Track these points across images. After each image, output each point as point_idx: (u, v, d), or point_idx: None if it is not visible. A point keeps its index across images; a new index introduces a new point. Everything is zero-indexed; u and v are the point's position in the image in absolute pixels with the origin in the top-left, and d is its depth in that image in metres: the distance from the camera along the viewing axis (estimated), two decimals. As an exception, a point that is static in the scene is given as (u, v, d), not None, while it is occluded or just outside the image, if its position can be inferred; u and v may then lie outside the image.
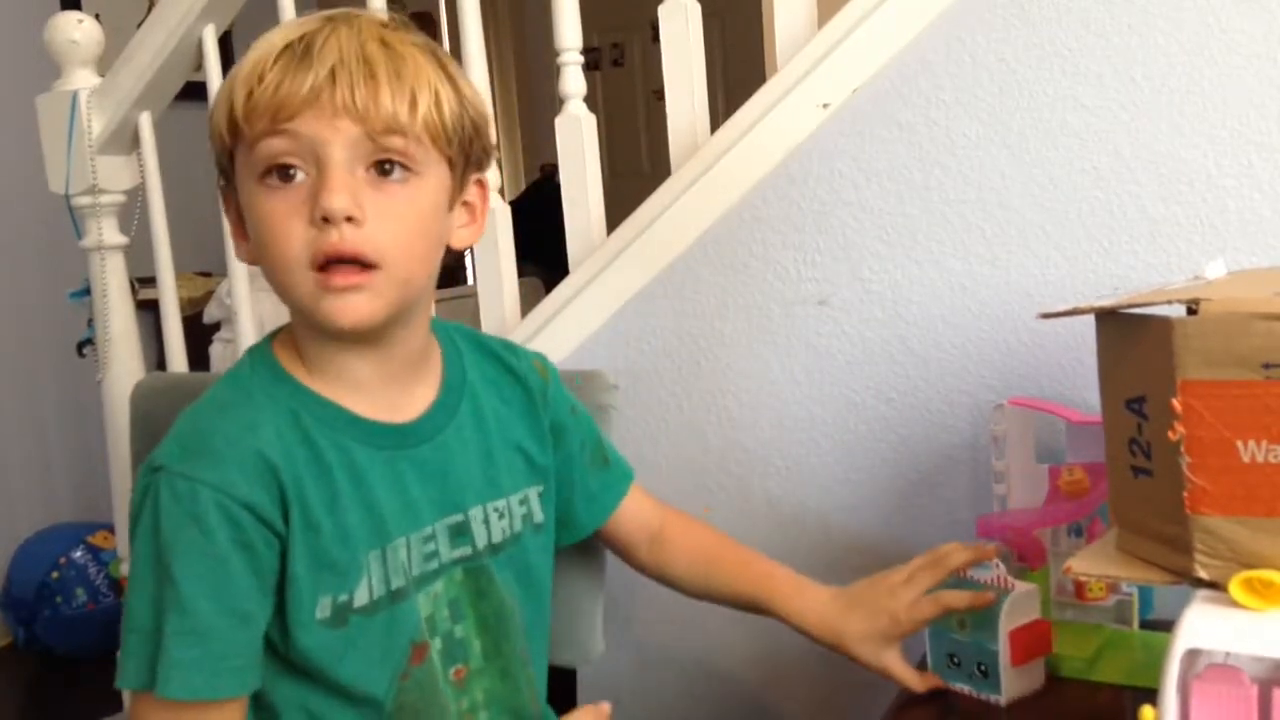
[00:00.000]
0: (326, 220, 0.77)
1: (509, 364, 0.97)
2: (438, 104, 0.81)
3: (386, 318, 0.82)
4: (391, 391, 0.87)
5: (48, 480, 3.04)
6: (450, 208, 0.86)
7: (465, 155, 0.85)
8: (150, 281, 1.76)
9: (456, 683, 0.90)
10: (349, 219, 0.77)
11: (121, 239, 1.71)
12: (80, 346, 1.91)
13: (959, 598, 0.95)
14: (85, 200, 1.67)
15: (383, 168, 0.79)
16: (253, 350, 0.88)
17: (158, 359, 1.91)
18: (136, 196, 1.71)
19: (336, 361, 0.85)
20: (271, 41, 0.80)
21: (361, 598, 0.83)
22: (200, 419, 0.82)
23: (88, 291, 1.76)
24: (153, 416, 1.29)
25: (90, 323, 1.76)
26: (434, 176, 0.82)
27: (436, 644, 0.89)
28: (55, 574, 2.64)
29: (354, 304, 0.79)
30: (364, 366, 0.85)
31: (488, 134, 0.88)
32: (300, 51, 0.78)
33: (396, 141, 0.79)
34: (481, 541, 0.92)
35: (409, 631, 0.86)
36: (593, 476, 1.03)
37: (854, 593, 1.02)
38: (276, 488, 0.80)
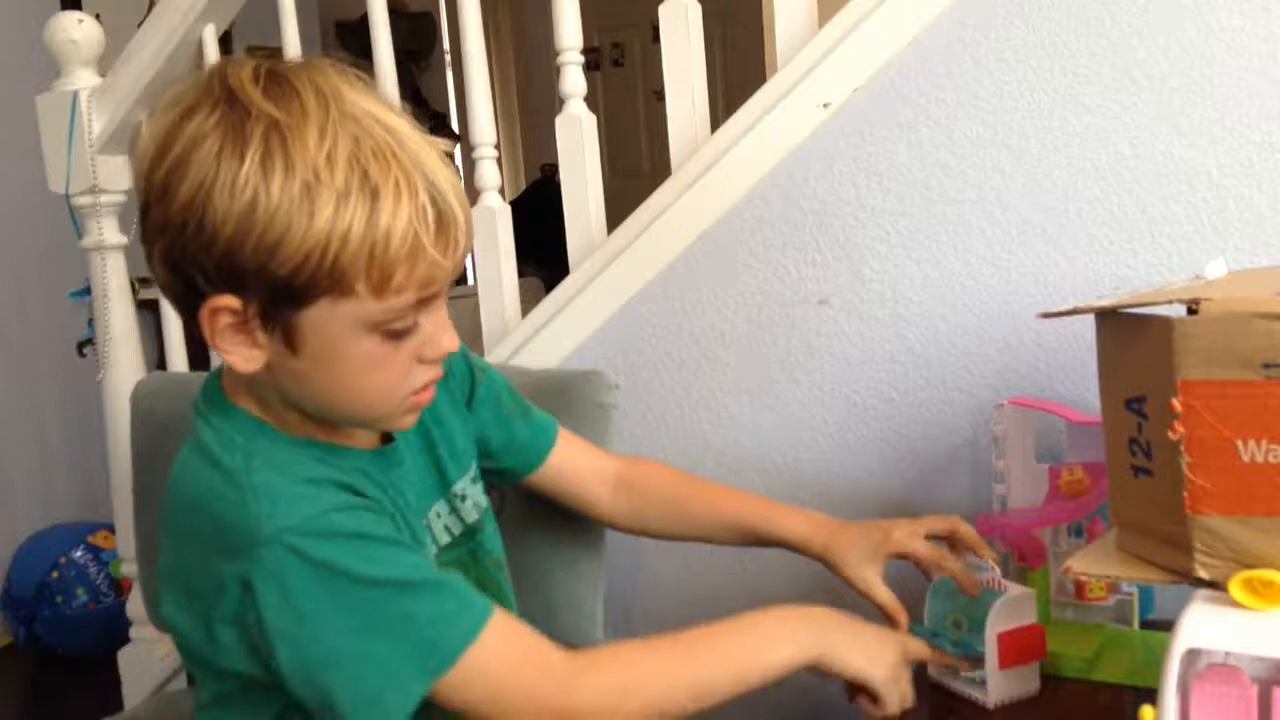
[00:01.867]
0: (439, 360, 0.80)
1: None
2: None
3: None
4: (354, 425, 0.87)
5: (48, 480, 3.04)
6: None
7: None
8: (150, 281, 1.75)
9: None
10: None
11: (122, 238, 1.71)
12: (81, 346, 1.92)
13: (954, 563, 0.96)
14: (86, 200, 1.67)
15: None
16: (219, 417, 0.81)
17: (158, 359, 1.91)
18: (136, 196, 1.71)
19: (319, 421, 0.83)
20: (416, 200, 0.73)
21: None
22: (264, 481, 0.76)
23: (88, 291, 1.76)
24: (153, 416, 1.29)
25: (91, 322, 1.76)
26: None
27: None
28: (55, 574, 2.64)
29: (419, 414, 0.84)
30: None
31: None
32: (442, 226, 0.74)
33: None
34: (456, 530, 0.94)
35: None
36: (513, 424, 1.04)
37: (848, 521, 1.04)
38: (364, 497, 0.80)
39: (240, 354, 0.76)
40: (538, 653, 0.79)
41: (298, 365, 0.76)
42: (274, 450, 0.79)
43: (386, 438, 0.89)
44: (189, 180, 0.72)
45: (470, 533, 0.95)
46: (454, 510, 0.94)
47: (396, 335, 0.77)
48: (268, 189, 0.70)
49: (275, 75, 0.74)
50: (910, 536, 0.98)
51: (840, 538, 1.01)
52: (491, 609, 0.78)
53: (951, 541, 1.00)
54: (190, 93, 0.75)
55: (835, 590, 1.32)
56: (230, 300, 0.74)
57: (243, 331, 0.75)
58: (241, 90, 0.73)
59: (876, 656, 0.87)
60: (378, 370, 0.77)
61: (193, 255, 0.73)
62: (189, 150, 0.72)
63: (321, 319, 0.74)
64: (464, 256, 0.78)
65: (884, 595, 0.99)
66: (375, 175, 0.72)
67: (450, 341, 0.80)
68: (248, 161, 0.70)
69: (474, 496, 0.97)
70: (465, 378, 1.01)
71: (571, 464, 1.08)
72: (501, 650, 0.77)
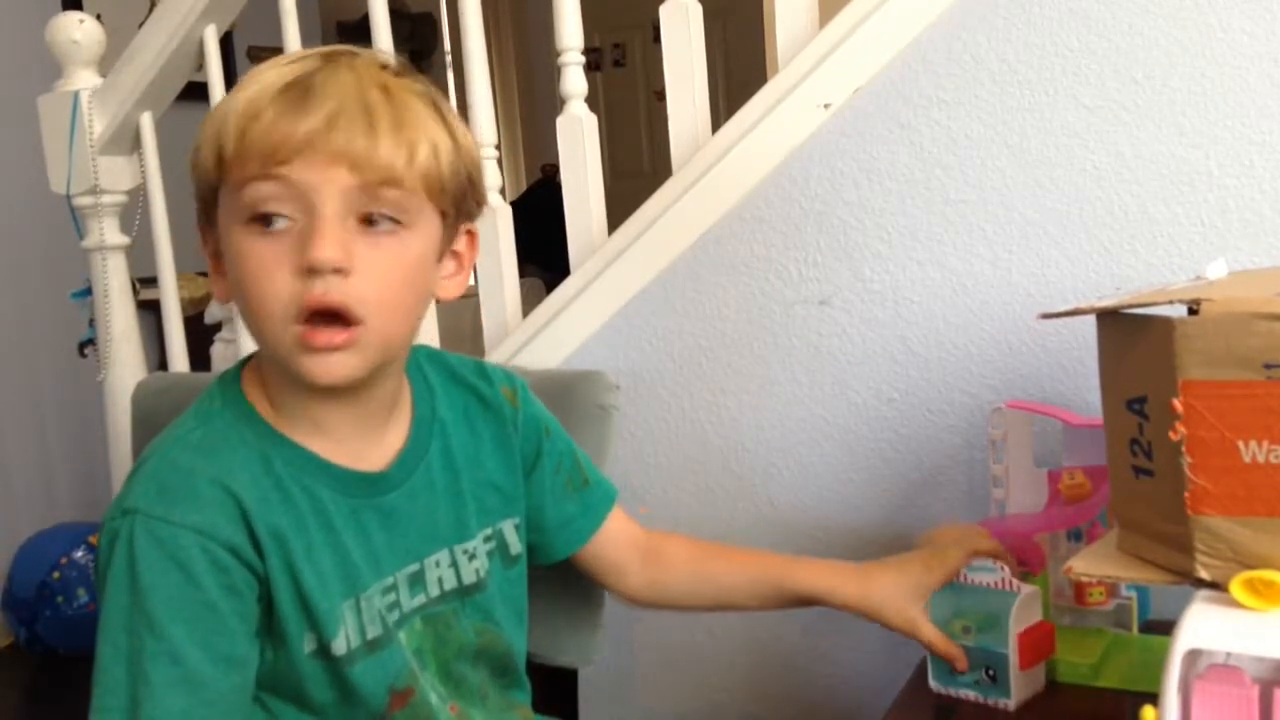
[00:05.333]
0: (313, 271, 0.74)
1: (480, 392, 0.95)
2: (436, 156, 0.78)
3: (366, 375, 0.80)
4: (361, 438, 0.85)
5: (49, 480, 3.04)
6: (439, 259, 0.84)
7: (458, 207, 0.83)
8: (151, 281, 1.76)
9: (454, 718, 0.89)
10: (336, 270, 0.75)
11: (123, 239, 1.71)
12: (82, 346, 1.91)
13: (988, 541, 0.96)
14: (87, 200, 1.67)
15: (372, 219, 0.77)
16: (222, 383, 0.84)
17: (159, 359, 1.91)
18: (138, 197, 1.71)
19: (308, 408, 0.82)
20: (267, 78, 0.76)
21: (339, 648, 0.81)
22: (174, 459, 0.78)
23: (89, 291, 1.76)
24: (154, 416, 1.29)
25: (92, 323, 1.76)
26: (425, 228, 0.80)
27: (436, 683, 0.87)
28: (56, 574, 2.64)
29: (335, 363, 0.77)
30: (335, 414, 0.83)
31: (481, 185, 0.86)
32: (298, 93, 0.75)
33: (391, 194, 0.76)
34: (450, 584, 0.90)
35: (388, 676, 0.84)
36: (569, 500, 1.00)
37: (874, 562, 1.01)
38: (253, 531, 0.77)
39: (218, 284, 0.82)
40: None
41: (233, 292, 0.80)
42: (229, 428, 0.81)
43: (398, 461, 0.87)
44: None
45: (464, 592, 0.91)
46: (454, 564, 0.90)
47: (260, 223, 0.75)
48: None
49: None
50: (943, 556, 0.96)
51: (873, 585, 0.98)
52: None
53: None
54: None
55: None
56: (205, 228, 0.82)
57: (216, 263, 0.82)
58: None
59: None
60: (255, 272, 0.76)
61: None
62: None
63: (220, 218, 0.79)
64: (347, 148, 0.74)
65: (933, 635, 0.96)
66: (268, 69, 0.78)
67: (318, 246, 0.74)
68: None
69: (481, 559, 0.92)
70: (532, 433, 0.97)
71: (614, 533, 1.03)
72: None
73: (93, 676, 0.76)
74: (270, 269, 0.75)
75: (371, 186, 0.75)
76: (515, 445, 0.96)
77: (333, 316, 0.76)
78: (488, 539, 0.93)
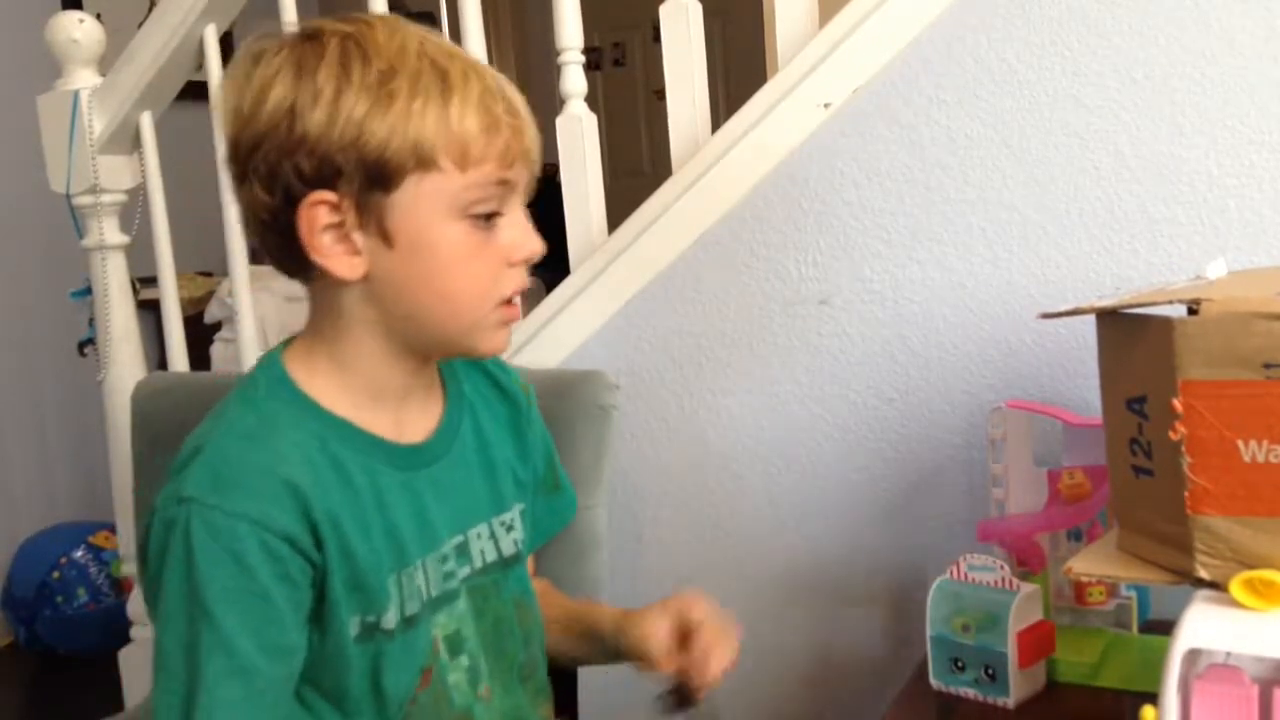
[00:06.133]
0: (526, 261, 0.83)
1: (498, 380, 0.98)
2: None
3: None
4: (407, 410, 0.88)
5: (49, 480, 3.04)
6: None
7: None
8: (151, 281, 1.75)
9: (482, 698, 0.90)
10: None
11: (122, 238, 1.71)
12: (81, 346, 1.92)
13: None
14: (86, 200, 1.67)
15: None
16: (264, 368, 0.85)
17: (159, 359, 1.91)
18: (137, 196, 1.71)
19: (381, 381, 0.85)
20: (474, 76, 0.80)
21: (389, 621, 0.83)
22: (228, 449, 0.79)
23: (89, 291, 1.76)
24: (154, 416, 1.29)
25: (91, 322, 1.76)
26: None
27: (463, 661, 0.88)
28: (56, 574, 2.64)
29: (508, 335, 0.86)
30: (403, 387, 0.86)
31: None
32: (505, 103, 0.81)
33: None
34: (490, 556, 0.92)
35: (418, 658, 0.86)
36: (540, 500, 1.02)
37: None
38: (309, 517, 0.79)
39: (341, 260, 0.79)
40: None
41: (394, 263, 0.79)
42: (279, 413, 0.81)
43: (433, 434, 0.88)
44: (273, 95, 0.77)
45: (503, 564, 0.93)
46: (493, 535, 0.93)
47: (482, 222, 0.80)
48: (348, 78, 0.77)
49: (346, 14, 0.82)
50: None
51: (628, 621, 0.95)
52: None
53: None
54: (254, 46, 0.81)
55: (838, 590, 1.33)
56: (326, 194, 0.78)
57: (342, 239, 0.79)
58: (312, 23, 0.81)
59: None
60: (466, 263, 0.80)
61: (289, 156, 0.77)
62: (270, 77, 0.78)
63: (411, 202, 0.78)
64: (535, 155, 0.83)
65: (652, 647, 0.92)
66: (444, 64, 0.78)
67: (535, 243, 0.83)
68: (327, 61, 0.77)
69: (518, 531, 0.95)
70: (539, 425, 1.01)
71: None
72: None
73: (154, 658, 0.77)
74: (481, 256, 0.81)
75: (532, 182, 0.85)
76: (527, 434, 0.98)
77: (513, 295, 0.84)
78: (523, 514, 0.96)
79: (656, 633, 0.91)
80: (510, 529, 0.94)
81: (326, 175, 0.77)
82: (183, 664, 0.76)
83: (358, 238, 0.79)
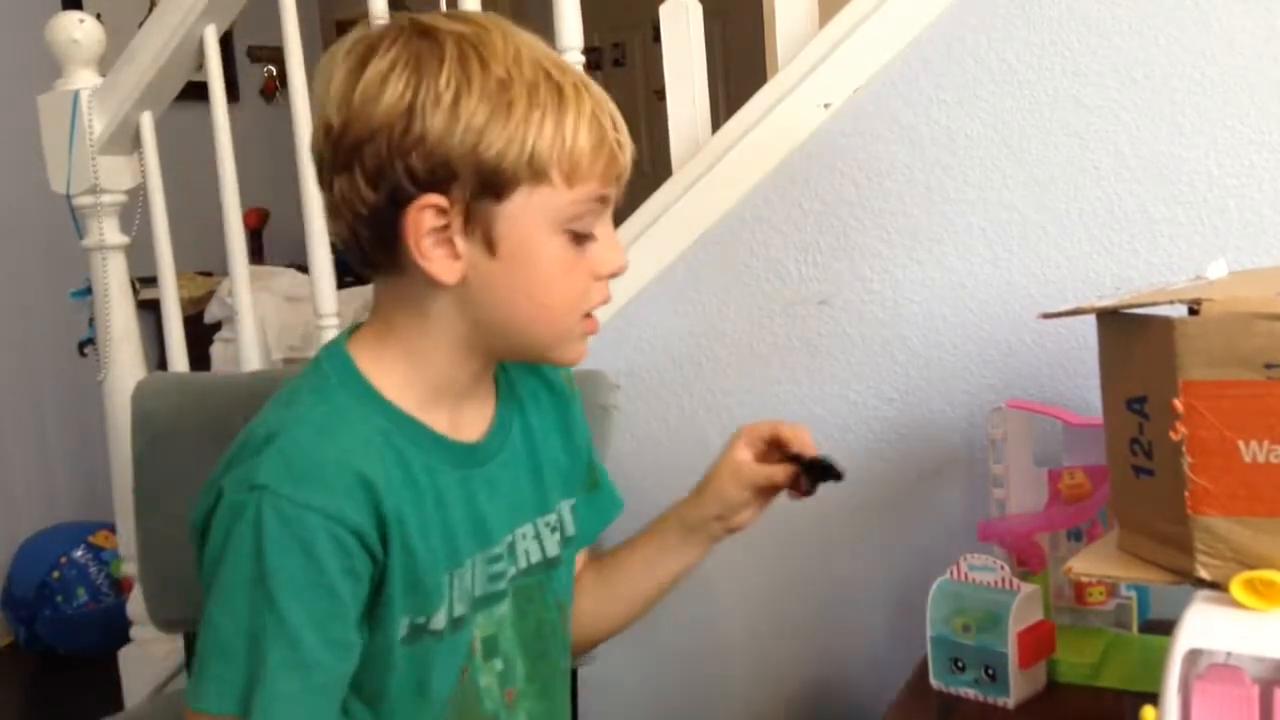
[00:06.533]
0: (613, 275, 0.85)
1: (546, 375, 0.98)
2: None
3: None
4: (464, 410, 0.88)
5: (49, 480, 3.04)
6: None
7: None
8: (151, 281, 1.76)
9: (508, 705, 0.90)
10: None
11: (122, 239, 1.71)
12: (81, 346, 1.92)
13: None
14: (86, 200, 1.67)
15: None
16: (331, 357, 0.85)
17: (159, 359, 1.91)
18: (137, 196, 1.71)
19: (445, 380, 0.85)
20: (585, 92, 0.81)
21: (439, 621, 0.83)
22: (301, 439, 0.78)
23: (89, 291, 1.76)
24: (154, 416, 1.29)
25: (91, 322, 1.76)
26: None
27: (496, 664, 0.89)
28: (56, 573, 2.64)
29: (587, 345, 0.87)
30: (465, 386, 0.87)
31: None
32: (608, 118, 0.82)
33: None
34: (535, 557, 0.92)
35: (460, 657, 0.86)
36: (582, 498, 1.01)
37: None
38: (379, 513, 0.79)
39: (442, 264, 0.79)
40: None
41: (493, 271, 0.80)
42: (348, 406, 0.81)
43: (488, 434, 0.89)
44: (392, 89, 0.76)
45: (547, 565, 0.93)
46: (538, 536, 0.93)
47: (580, 239, 0.82)
48: (469, 83, 0.76)
49: (449, 10, 0.84)
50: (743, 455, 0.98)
51: (707, 487, 1.01)
52: None
53: (777, 444, 0.98)
54: (368, 36, 0.80)
55: (839, 590, 1.33)
56: (437, 199, 0.78)
57: (444, 242, 0.79)
58: (423, 19, 0.80)
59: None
60: (564, 276, 0.82)
61: (402, 156, 0.77)
62: (386, 70, 0.77)
63: (519, 213, 0.79)
64: (628, 173, 0.84)
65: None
66: (556, 75, 0.79)
67: (622, 257, 0.85)
68: (447, 62, 0.77)
69: (564, 526, 0.95)
70: (584, 419, 1.01)
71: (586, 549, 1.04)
72: None
73: (200, 639, 0.77)
74: (575, 270, 0.82)
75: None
76: (574, 427, 0.99)
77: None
78: (573, 510, 0.97)
79: (746, 459, 0.97)
80: (555, 530, 0.94)
81: (440, 179, 0.77)
82: (244, 650, 0.75)
83: (460, 243, 0.79)
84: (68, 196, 1.68)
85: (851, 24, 1.24)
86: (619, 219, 1.36)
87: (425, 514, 0.82)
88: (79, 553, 2.67)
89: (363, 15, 1.55)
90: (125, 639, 1.79)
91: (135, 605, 1.76)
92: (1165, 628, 0.76)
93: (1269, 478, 0.73)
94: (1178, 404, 0.74)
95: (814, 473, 0.95)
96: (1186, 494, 0.75)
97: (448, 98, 0.76)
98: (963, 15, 1.20)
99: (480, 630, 0.87)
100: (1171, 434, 0.75)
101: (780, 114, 1.28)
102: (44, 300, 2.94)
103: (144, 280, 1.83)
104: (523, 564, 0.91)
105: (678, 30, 1.38)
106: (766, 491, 0.98)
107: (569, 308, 0.83)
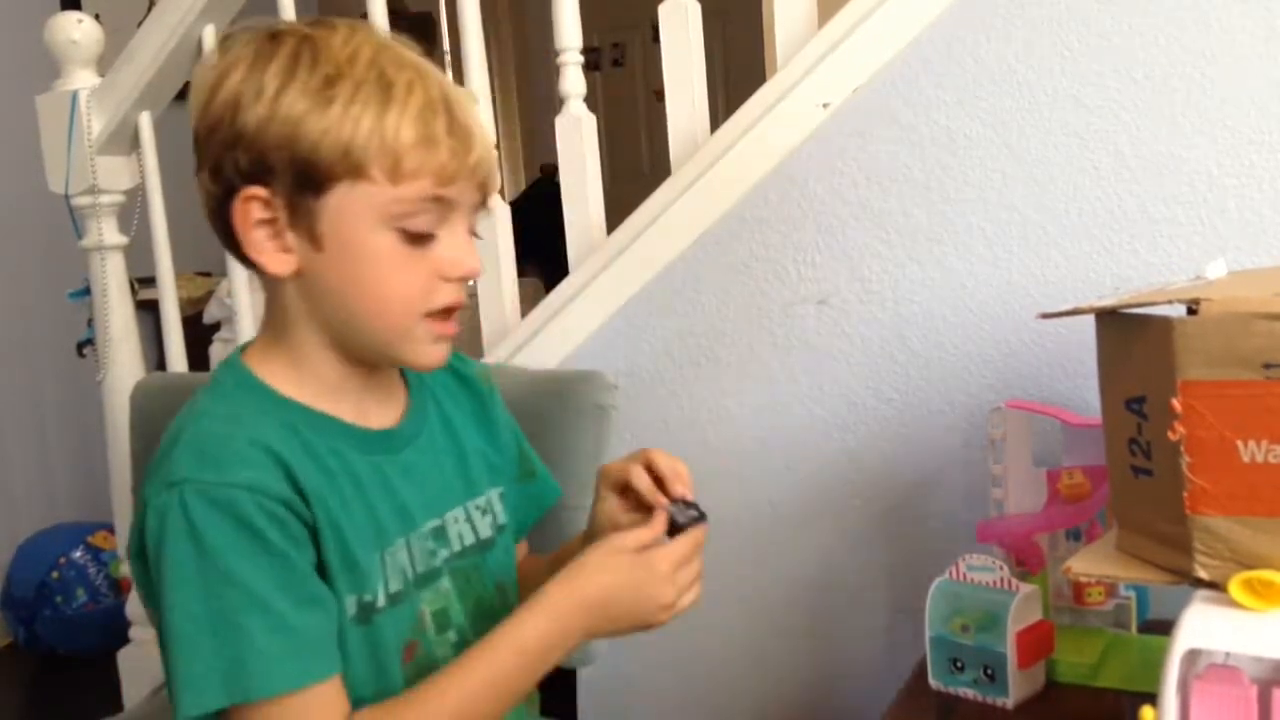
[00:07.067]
0: (463, 279, 0.82)
1: (456, 369, 0.99)
2: None
3: None
4: (377, 403, 0.89)
5: (48, 480, 3.04)
6: None
7: None
8: (150, 281, 1.76)
9: None
10: None
11: (121, 239, 1.71)
12: (80, 346, 1.91)
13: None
14: (85, 200, 1.67)
15: (472, 229, 0.85)
16: (226, 368, 0.87)
17: (158, 359, 1.91)
18: (136, 196, 1.71)
19: (343, 379, 0.86)
20: (419, 89, 0.79)
21: (380, 600, 0.84)
22: (207, 429, 0.80)
23: (88, 291, 1.76)
24: (153, 416, 1.29)
25: (90, 323, 1.76)
26: None
27: (450, 636, 0.89)
28: (55, 574, 2.64)
29: (446, 349, 0.85)
30: (363, 383, 0.87)
31: None
32: (447, 117, 0.80)
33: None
34: (469, 540, 0.93)
35: (403, 632, 0.87)
36: (516, 489, 1.01)
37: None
38: (297, 487, 0.79)
39: (274, 257, 0.80)
40: None
41: (322, 264, 0.80)
42: (247, 402, 0.82)
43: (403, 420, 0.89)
44: (226, 87, 0.79)
45: (481, 547, 0.94)
46: (469, 519, 0.94)
47: (414, 239, 0.80)
48: (293, 79, 0.78)
49: (318, 18, 0.83)
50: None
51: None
52: (327, 676, 0.77)
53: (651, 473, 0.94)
54: (229, 37, 0.82)
55: (838, 590, 1.33)
56: (258, 190, 0.79)
57: (274, 235, 0.80)
58: (281, 23, 0.82)
59: (645, 609, 0.88)
60: (396, 273, 0.80)
61: (229, 149, 0.79)
62: (227, 68, 0.79)
63: (340, 207, 0.79)
64: (485, 173, 0.82)
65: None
66: (392, 74, 0.79)
67: (473, 262, 0.82)
68: (275, 62, 0.78)
69: (495, 513, 0.96)
70: (505, 411, 1.01)
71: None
72: (307, 718, 0.77)
73: (166, 658, 0.76)
74: (410, 266, 0.81)
75: (483, 202, 0.85)
76: (493, 420, 0.99)
77: (449, 311, 0.83)
78: (500, 498, 0.97)
79: (613, 511, 0.93)
80: (485, 512, 0.95)
81: (260, 170, 0.78)
82: (213, 639, 0.75)
83: (290, 236, 0.80)
84: (66, 197, 1.68)
85: (851, 24, 1.24)
86: (622, 216, 1.38)
87: (344, 495, 0.82)
88: (78, 553, 2.67)
89: (362, 14, 1.55)
90: (124, 639, 1.79)
91: (134, 606, 1.76)
92: (1164, 628, 0.76)
93: (1268, 478, 0.73)
94: (1176, 404, 0.74)
95: (675, 526, 0.90)
96: (1185, 494, 0.75)
97: (269, 92, 0.77)
98: (963, 15, 1.20)
99: (429, 605, 0.88)
100: (1170, 434, 0.75)
101: (779, 114, 1.28)
102: (43, 300, 2.93)
103: (143, 280, 1.83)
104: (457, 546, 0.92)
105: (677, 30, 1.37)
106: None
107: (406, 306, 0.81)
